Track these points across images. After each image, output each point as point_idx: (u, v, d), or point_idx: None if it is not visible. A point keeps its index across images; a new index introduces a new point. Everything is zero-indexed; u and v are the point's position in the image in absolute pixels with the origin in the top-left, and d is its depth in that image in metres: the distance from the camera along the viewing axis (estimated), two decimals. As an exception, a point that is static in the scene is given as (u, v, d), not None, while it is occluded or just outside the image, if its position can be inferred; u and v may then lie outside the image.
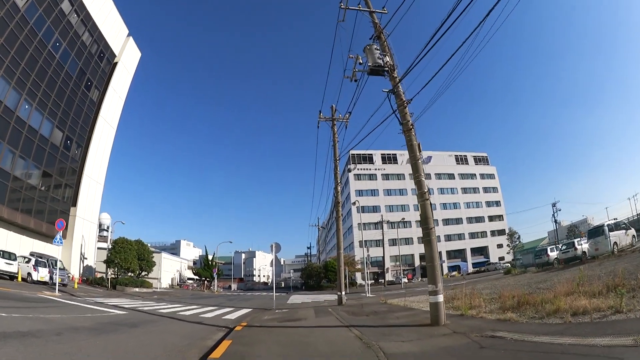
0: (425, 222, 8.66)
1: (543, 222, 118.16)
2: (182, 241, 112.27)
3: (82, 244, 34.98)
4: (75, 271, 33.00)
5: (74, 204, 34.28)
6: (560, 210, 57.21)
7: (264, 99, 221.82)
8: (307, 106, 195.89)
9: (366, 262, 34.29)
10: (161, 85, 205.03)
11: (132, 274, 35.97)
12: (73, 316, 9.69)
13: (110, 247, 34.73)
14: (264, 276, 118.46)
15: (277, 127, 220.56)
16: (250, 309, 16.18)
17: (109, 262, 32.88)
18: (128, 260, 33.70)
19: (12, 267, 21.31)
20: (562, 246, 24.20)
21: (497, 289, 13.56)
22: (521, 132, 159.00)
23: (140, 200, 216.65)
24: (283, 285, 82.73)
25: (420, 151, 9.00)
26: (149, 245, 41.15)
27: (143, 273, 38.14)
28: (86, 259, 35.56)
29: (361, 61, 10.63)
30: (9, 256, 21.66)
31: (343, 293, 17.25)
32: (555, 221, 57.89)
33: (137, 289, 32.46)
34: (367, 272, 32.74)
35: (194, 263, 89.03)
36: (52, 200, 31.36)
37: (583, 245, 20.81)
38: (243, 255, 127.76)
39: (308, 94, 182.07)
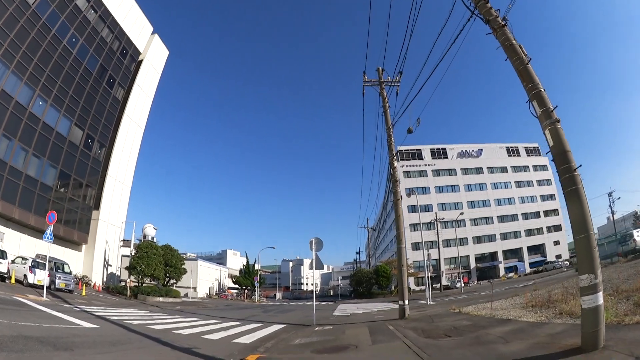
0: (564, 159, 5.13)
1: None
2: (228, 250, 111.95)
3: (107, 249, 32.94)
4: (97, 278, 30.84)
5: (97, 207, 32.39)
6: (619, 198, 51.39)
7: (302, 104, 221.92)
8: (345, 108, 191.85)
9: (427, 264, 28.90)
10: (201, 92, 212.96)
11: (159, 282, 33.09)
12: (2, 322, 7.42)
13: (133, 252, 32.07)
14: (311, 284, 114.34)
15: (323, 131, 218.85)
16: (282, 325, 12.63)
17: (131, 269, 30.07)
18: (152, 267, 30.69)
19: (1, 267, 18.77)
20: None
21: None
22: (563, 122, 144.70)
23: (189, 212, 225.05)
24: (332, 293, 78.44)
25: (525, 54, 5.86)
26: (179, 251, 37.93)
27: (172, 281, 35.23)
28: (110, 265, 33.43)
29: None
30: (0, 254, 19.20)
31: (406, 302, 12.56)
32: (612, 212, 53.06)
33: (160, 299, 29.30)
34: (427, 276, 26.95)
35: (240, 272, 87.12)
36: (71, 201, 29.48)
37: None
38: (290, 264, 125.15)
39: (347, 94, 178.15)
